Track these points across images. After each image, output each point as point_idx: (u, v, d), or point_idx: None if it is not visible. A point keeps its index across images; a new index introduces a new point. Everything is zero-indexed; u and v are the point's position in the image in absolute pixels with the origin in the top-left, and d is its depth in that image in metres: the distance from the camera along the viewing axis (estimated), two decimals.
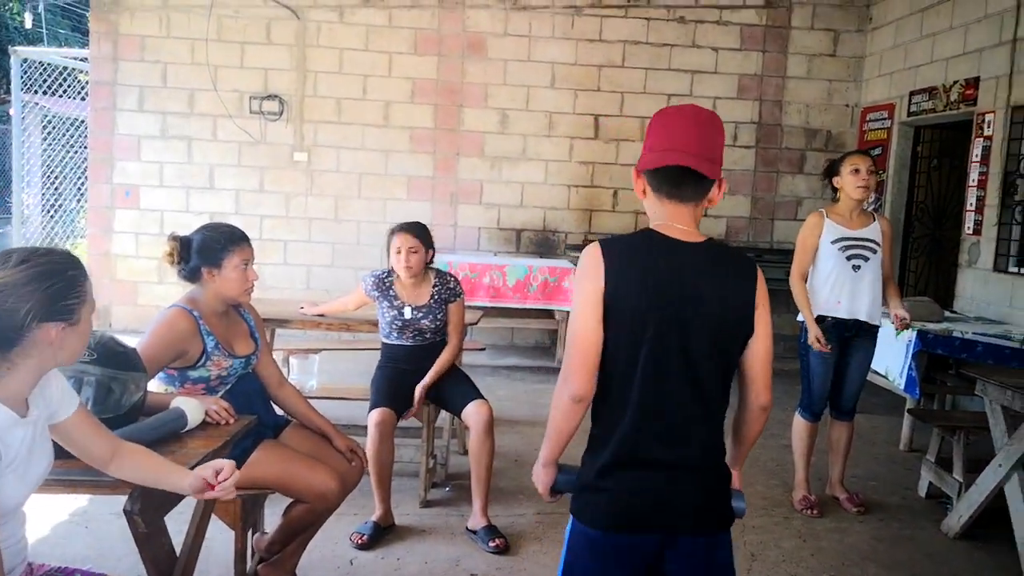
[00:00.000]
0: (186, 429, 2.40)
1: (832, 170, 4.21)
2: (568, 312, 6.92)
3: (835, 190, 4.19)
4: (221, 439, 2.39)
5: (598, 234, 7.85)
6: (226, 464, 2.03)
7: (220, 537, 3.07)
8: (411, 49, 7.72)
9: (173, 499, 2.21)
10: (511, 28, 7.73)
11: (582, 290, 1.78)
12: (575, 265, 7.10)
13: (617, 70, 7.80)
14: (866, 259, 4.07)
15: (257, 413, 2.84)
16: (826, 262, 4.10)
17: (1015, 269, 5.82)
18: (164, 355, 2.68)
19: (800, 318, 4.20)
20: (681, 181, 1.81)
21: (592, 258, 1.79)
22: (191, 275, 2.83)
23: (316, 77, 7.73)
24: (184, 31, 7.61)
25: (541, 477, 1.91)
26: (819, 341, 4.05)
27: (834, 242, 4.08)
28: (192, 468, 2.07)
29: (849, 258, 4.07)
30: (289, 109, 7.73)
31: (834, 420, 4.34)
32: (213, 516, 2.74)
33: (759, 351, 1.93)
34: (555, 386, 1.83)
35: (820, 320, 4.11)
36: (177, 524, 2.39)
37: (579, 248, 7.56)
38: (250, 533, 3.07)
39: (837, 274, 4.07)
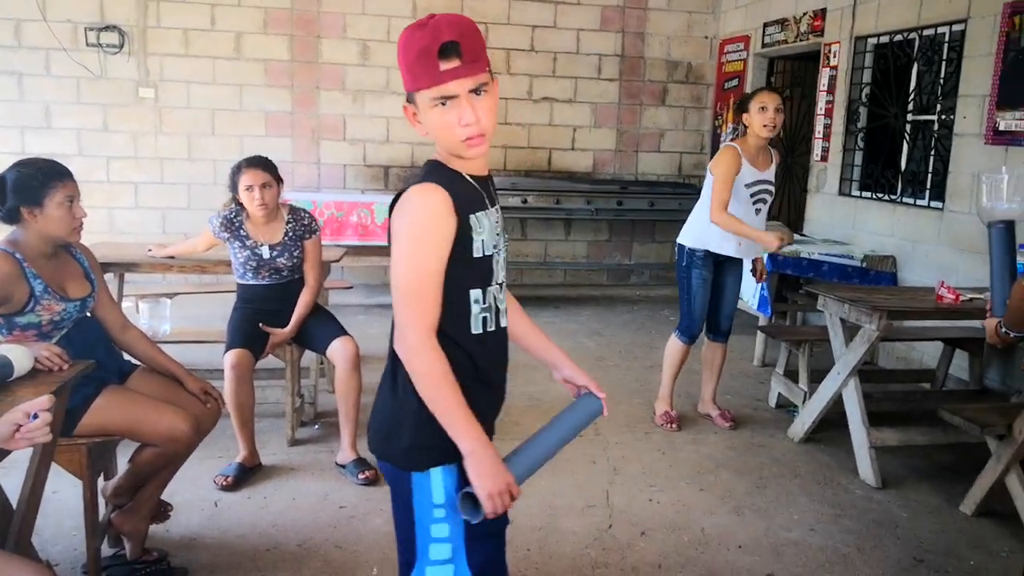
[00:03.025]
0: (13, 378, 2.25)
1: (742, 106, 4.22)
2: None
3: (745, 127, 4.19)
4: (53, 385, 2.25)
5: None
6: (38, 402, 1.86)
7: (71, 489, 2.92)
8: None
9: None
10: None
11: (433, 235, 1.60)
12: None
13: (479, 0, 7.67)
14: (765, 202, 4.21)
15: (98, 358, 2.69)
16: (734, 203, 4.09)
17: (857, 193, 6.19)
18: None
19: (695, 245, 4.23)
20: None
21: (441, 202, 1.60)
22: (9, 217, 2.60)
23: (159, 6, 7.22)
24: None
25: (487, 461, 1.59)
26: (780, 240, 4.00)
27: (748, 185, 4.13)
28: None
29: (755, 203, 4.18)
30: (131, 41, 7.21)
31: (710, 341, 4.51)
32: (60, 467, 2.61)
33: None
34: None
35: (698, 252, 4.21)
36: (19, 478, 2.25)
37: None
38: (100, 481, 2.94)
39: (740, 215, 4.10)
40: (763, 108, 4.07)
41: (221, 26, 7.33)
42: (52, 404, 1.88)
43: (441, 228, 1.60)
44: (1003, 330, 2.56)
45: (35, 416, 1.84)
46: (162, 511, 2.99)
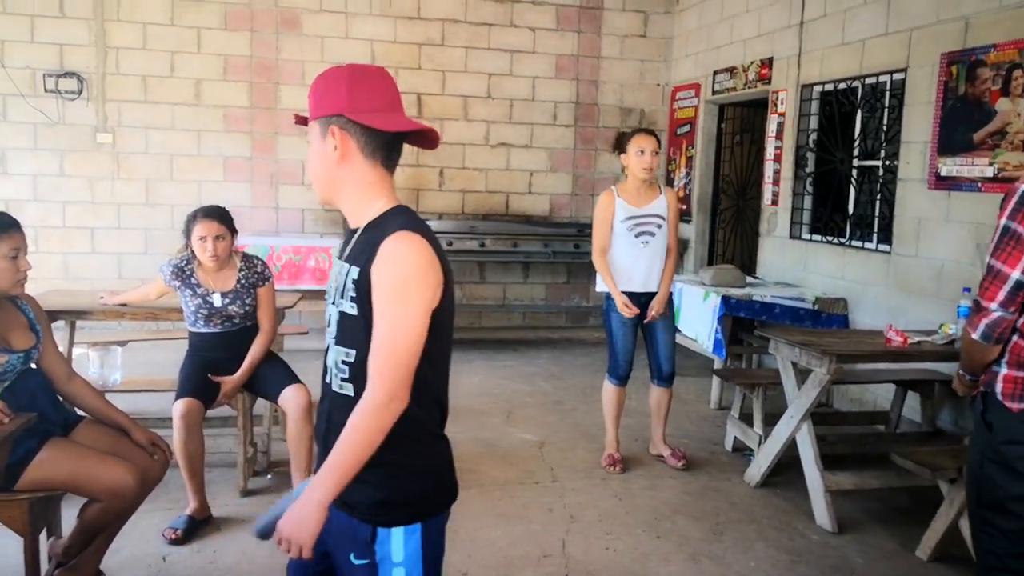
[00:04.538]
0: None
1: (620, 146, 4.34)
2: None
3: (622, 167, 4.36)
4: None
5: (426, 214, 7.84)
6: None
7: (13, 545, 2.84)
8: (221, 24, 7.36)
9: None
10: (326, 4, 7.52)
11: (421, 293, 1.59)
12: None
13: (437, 48, 7.79)
14: (652, 234, 4.30)
15: (42, 410, 2.65)
16: (618, 240, 4.29)
17: (808, 236, 6.32)
18: None
19: (600, 289, 4.37)
20: (398, 147, 1.73)
21: (427, 257, 1.60)
22: None
23: (118, 53, 7.23)
24: None
25: (315, 521, 1.59)
26: (627, 307, 4.24)
27: (623, 221, 4.27)
28: None
29: (637, 235, 4.28)
30: (89, 87, 7.19)
31: (654, 386, 4.55)
32: (2, 523, 2.54)
33: None
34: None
35: (609, 295, 4.32)
36: None
37: None
38: (44, 538, 2.86)
39: (627, 251, 4.28)
40: (641, 151, 4.21)
41: (181, 73, 7.34)
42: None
43: None
44: (964, 376, 2.40)
45: None
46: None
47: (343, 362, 1.66)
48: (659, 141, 4.30)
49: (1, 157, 7.13)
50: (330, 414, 1.70)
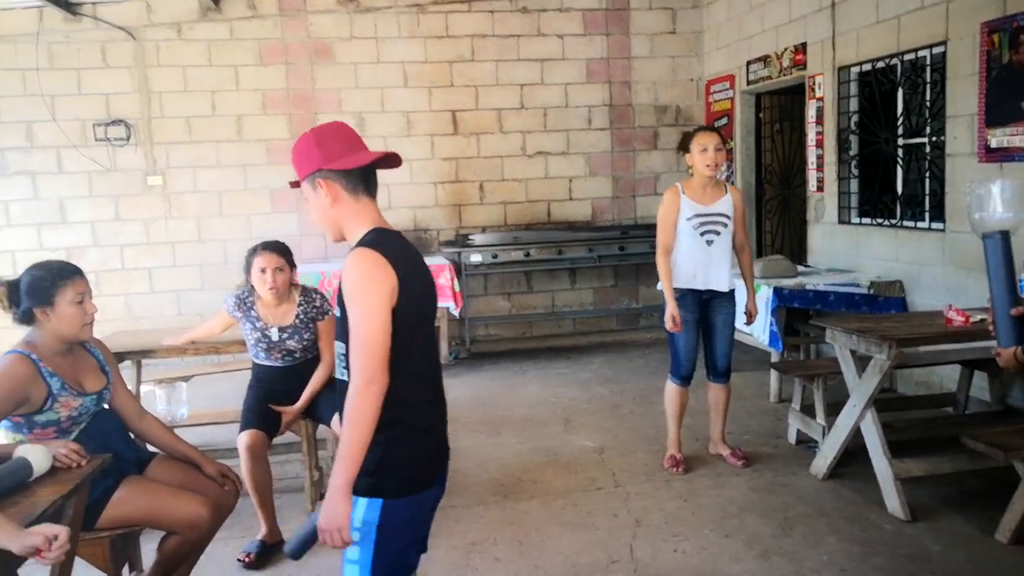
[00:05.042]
0: (32, 478, 2.30)
1: (684, 146, 4.39)
2: (447, 308, 6.98)
3: (688, 166, 4.38)
4: (71, 483, 2.29)
5: (469, 228, 7.91)
6: (60, 531, 1.98)
7: None
8: (257, 60, 7.54)
9: (19, 558, 2.12)
10: (356, 31, 7.66)
11: (376, 293, 1.91)
12: (450, 262, 7.14)
13: (468, 64, 7.86)
14: (718, 233, 4.27)
15: (116, 450, 2.74)
16: (683, 238, 4.28)
17: (857, 220, 6.22)
18: (4, 405, 2.55)
19: (660, 287, 4.37)
20: (372, 176, 2.08)
21: (380, 266, 1.93)
22: (25, 318, 2.70)
23: (161, 97, 7.45)
24: (12, 62, 7.18)
25: (342, 505, 1.91)
26: (673, 320, 4.23)
27: (689, 219, 4.26)
28: (36, 520, 1.99)
29: (702, 234, 4.26)
30: (136, 133, 7.42)
31: (711, 383, 4.52)
32: (84, 561, 2.64)
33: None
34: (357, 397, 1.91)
35: (677, 290, 4.29)
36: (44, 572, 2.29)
37: (453, 244, 7.61)
38: (127, 573, 2.96)
39: (692, 249, 4.26)
40: (704, 149, 4.24)
41: (221, 111, 7.54)
42: (67, 536, 1.99)
43: None
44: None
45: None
46: None
47: (341, 354, 2.01)
48: (723, 138, 4.29)
49: (60, 207, 7.40)
50: (341, 397, 1.98)
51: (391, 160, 2.08)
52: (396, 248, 1.99)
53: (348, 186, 2.02)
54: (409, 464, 1.99)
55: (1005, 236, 2.32)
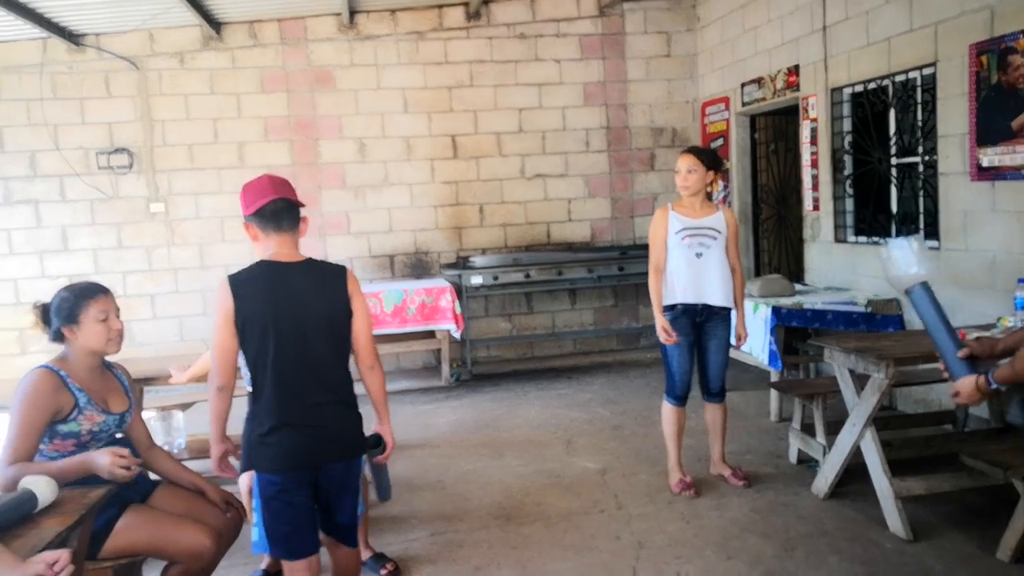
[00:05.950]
0: (38, 509, 2.33)
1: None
2: (448, 330, 7.04)
3: None
4: (76, 514, 2.32)
5: (469, 250, 7.97)
6: (61, 555, 2.00)
7: None
8: (258, 88, 7.63)
9: None
10: (356, 58, 7.76)
11: (219, 313, 2.55)
12: (450, 284, 7.19)
13: (467, 89, 7.95)
14: (707, 246, 4.31)
15: None
16: (673, 252, 4.32)
17: (853, 239, 6.26)
18: (39, 419, 2.65)
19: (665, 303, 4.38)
20: (280, 216, 2.62)
21: (223, 290, 2.56)
22: (56, 337, 2.83)
23: (163, 126, 7.54)
24: (16, 92, 7.28)
25: (216, 451, 2.72)
26: (666, 332, 4.26)
27: (677, 232, 4.31)
28: (41, 550, 2.02)
29: (691, 246, 4.29)
30: (139, 161, 7.50)
31: (706, 403, 4.55)
32: None
33: (360, 326, 2.71)
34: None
35: (671, 308, 4.32)
36: None
37: (454, 266, 7.67)
38: None
39: (682, 262, 4.29)
40: (677, 171, 4.37)
41: (223, 138, 7.62)
42: (68, 561, 2.00)
43: None
44: (993, 386, 2.50)
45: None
46: None
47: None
48: (701, 159, 4.33)
49: (62, 234, 7.46)
50: None
51: (291, 198, 2.66)
52: (257, 276, 2.57)
53: (260, 226, 2.62)
54: (260, 446, 2.58)
55: (926, 286, 2.64)
